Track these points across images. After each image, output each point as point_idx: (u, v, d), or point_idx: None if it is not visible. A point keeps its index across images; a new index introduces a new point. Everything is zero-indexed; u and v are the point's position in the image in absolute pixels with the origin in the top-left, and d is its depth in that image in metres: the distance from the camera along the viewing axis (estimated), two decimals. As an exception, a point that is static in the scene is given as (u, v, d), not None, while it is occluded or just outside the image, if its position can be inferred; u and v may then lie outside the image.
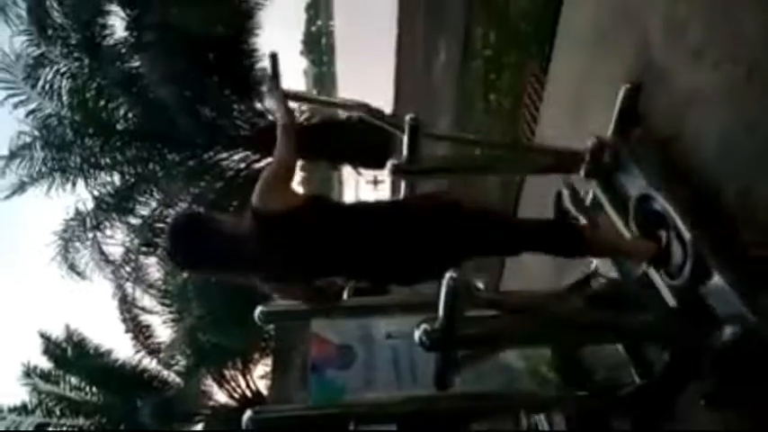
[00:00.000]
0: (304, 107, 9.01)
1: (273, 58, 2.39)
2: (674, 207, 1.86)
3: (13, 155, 8.38)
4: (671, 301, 1.94)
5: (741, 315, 1.67)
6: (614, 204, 2.27)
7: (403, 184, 2.73)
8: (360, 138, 8.44)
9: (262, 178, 2.00)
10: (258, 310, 2.61)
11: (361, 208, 2.21)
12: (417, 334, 1.68)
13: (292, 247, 1.95)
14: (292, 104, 2.43)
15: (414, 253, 1.99)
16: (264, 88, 2.48)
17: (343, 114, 9.29)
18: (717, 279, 1.74)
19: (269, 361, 10.35)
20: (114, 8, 8.39)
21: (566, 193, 2.38)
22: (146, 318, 10.00)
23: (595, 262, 2.61)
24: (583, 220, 2.30)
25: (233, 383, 10.42)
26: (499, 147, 2.75)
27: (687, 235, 1.80)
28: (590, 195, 2.53)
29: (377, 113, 2.58)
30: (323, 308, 2.38)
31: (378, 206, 2.22)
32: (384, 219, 2.05)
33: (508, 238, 2.07)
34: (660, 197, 1.93)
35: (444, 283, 1.57)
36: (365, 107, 2.57)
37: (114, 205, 8.90)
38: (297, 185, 2.69)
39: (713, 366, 1.75)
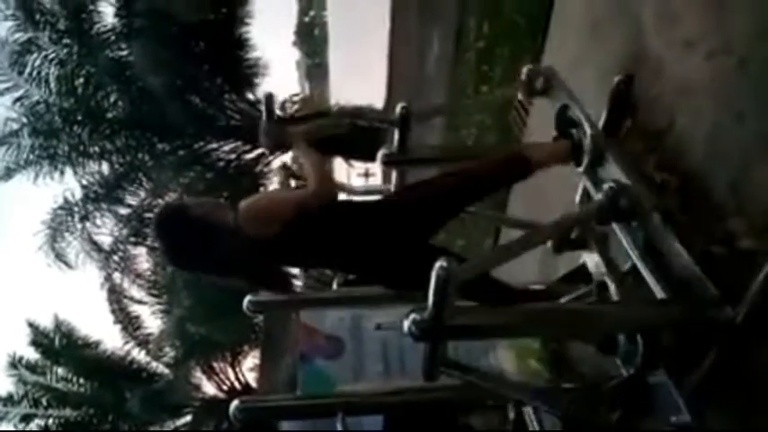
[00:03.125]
0: (296, 97, 8.99)
1: (269, 99, 2.33)
2: (582, 113, 2.23)
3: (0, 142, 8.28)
4: (659, 293, 1.95)
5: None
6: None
7: (394, 175, 2.72)
8: (351, 130, 8.40)
9: (260, 201, 2.02)
10: (247, 300, 2.59)
11: (349, 202, 2.19)
12: (406, 324, 1.66)
13: (285, 238, 1.93)
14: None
15: (386, 247, 2.03)
16: (264, 132, 2.39)
17: (334, 107, 9.26)
18: (612, 166, 2.07)
19: (258, 353, 10.34)
20: (104, -6, 8.28)
21: (572, 104, 2.44)
22: (135, 308, 9.96)
23: (583, 257, 2.62)
24: (589, 131, 2.34)
25: (222, 375, 10.40)
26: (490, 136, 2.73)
27: (588, 129, 2.19)
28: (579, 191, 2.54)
29: (368, 113, 2.57)
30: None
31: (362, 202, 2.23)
32: (361, 217, 2.07)
33: (471, 194, 2.28)
34: (576, 108, 2.27)
35: (434, 272, 1.56)
36: (357, 110, 2.56)
37: (103, 194, 8.82)
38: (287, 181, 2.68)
39: (701, 357, 1.75)
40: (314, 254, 2.08)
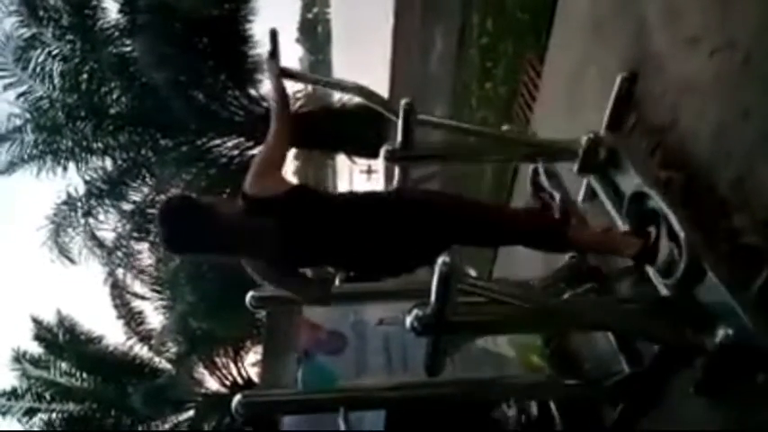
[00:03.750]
0: (300, 93, 8.98)
1: (273, 35, 2.35)
2: (669, 205, 1.87)
3: (3, 137, 8.29)
4: (662, 290, 1.94)
5: (734, 315, 1.65)
6: (609, 198, 2.25)
7: (397, 171, 2.71)
8: (353, 127, 8.40)
9: (253, 163, 1.99)
10: (250, 295, 2.59)
11: (347, 198, 2.18)
12: (409, 319, 1.67)
13: (279, 232, 1.93)
14: (289, 84, 2.41)
15: (395, 245, 1.99)
16: (264, 67, 2.45)
17: (337, 103, 9.26)
18: (711, 278, 1.73)
19: (260, 348, 10.34)
20: (108, -10, 8.28)
21: (540, 169, 2.38)
22: (137, 304, 9.97)
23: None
24: (557, 196, 2.27)
25: (224, 370, 10.42)
26: (493, 137, 2.71)
27: (682, 234, 1.80)
28: (583, 187, 2.52)
29: (372, 96, 2.56)
30: (315, 300, 2.35)
31: (367, 196, 2.20)
32: (368, 209, 2.05)
33: (490, 233, 2.09)
34: (655, 195, 1.93)
35: (436, 268, 1.56)
36: (361, 89, 2.55)
37: (106, 190, 8.83)
38: (290, 175, 2.68)
39: (703, 355, 1.75)
40: (321, 244, 2.04)
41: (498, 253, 4.68)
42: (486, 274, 4.48)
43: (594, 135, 2.27)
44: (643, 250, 1.95)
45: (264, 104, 8.58)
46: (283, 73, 2.30)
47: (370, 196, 2.22)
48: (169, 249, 2.13)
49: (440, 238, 1.96)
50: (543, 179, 2.24)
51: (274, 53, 2.32)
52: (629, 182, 2.08)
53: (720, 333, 1.63)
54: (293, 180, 2.19)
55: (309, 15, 38.72)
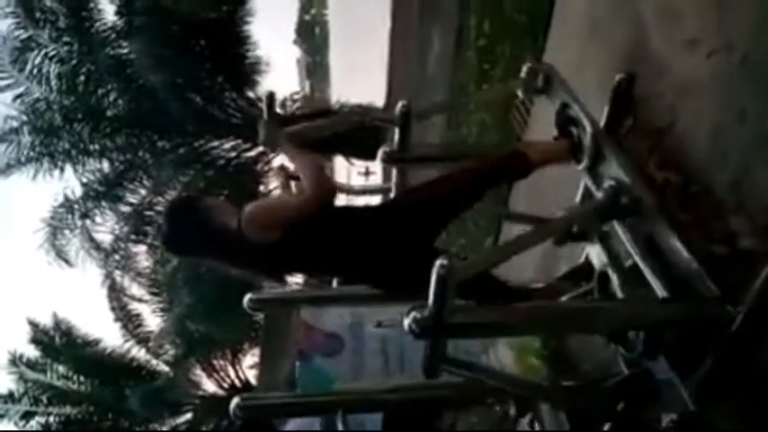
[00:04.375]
0: (297, 95, 8.99)
1: (270, 97, 2.34)
2: (582, 111, 2.23)
3: (-1, 139, 8.28)
4: (660, 291, 1.95)
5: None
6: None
7: (394, 173, 2.71)
8: (351, 128, 8.40)
9: (262, 206, 2.02)
10: (247, 297, 2.59)
11: (343, 213, 2.17)
12: (406, 322, 1.66)
13: (279, 247, 1.94)
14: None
15: (391, 252, 2.03)
16: (261, 134, 2.37)
17: (335, 105, 9.25)
18: (613, 165, 2.04)
19: (258, 351, 10.34)
20: (104, -8, 8.27)
21: (572, 103, 2.44)
22: (135, 306, 9.95)
23: (586, 252, 2.61)
24: (589, 129, 2.34)
25: (222, 373, 10.40)
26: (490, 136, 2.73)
27: (588, 126, 2.18)
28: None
29: (369, 111, 2.57)
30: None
31: (355, 212, 2.22)
32: (362, 223, 2.08)
33: (471, 193, 2.25)
34: (572, 104, 2.28)
35: (434, 270, 1.56)
36: (357, 108, 2.56)
37: (103, 192, 8.82)
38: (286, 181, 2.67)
39: (702, 356, 1.75)
40: (315, 260, 2.07)
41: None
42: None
43: (531, 63, 2.56)
44: (571, 146, 2.27)
45: (260, 106, 8.57)
46: (281, 121, 2.29)
47: (366, 209, 2.25)
48: (166, 248, 2.17)
49: (429, 225, 2.10)
50: (573, 111, 2.30)
51: (272, 115, 2.29)
52: (558, 98, 2.41)
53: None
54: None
55: (307, 17, 38.74)
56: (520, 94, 2.71)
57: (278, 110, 2.30)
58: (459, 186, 2.21)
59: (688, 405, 1.76)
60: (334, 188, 2.11)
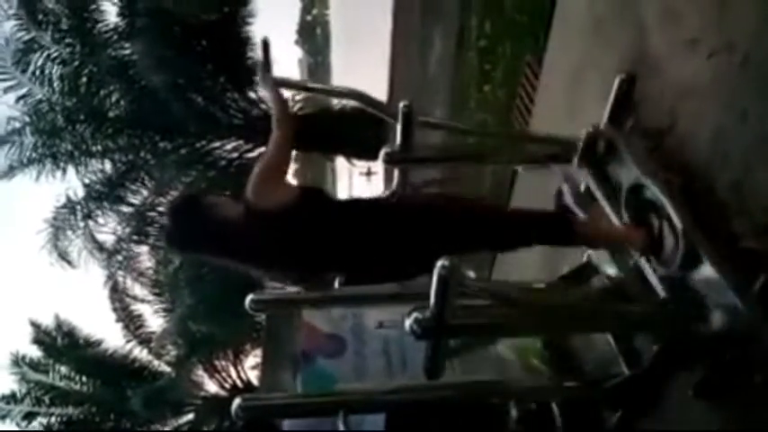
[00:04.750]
0: (298, 97, 8.98)
1: (265, 44, 2.34)
2: (667, 195, 1.87)
3: (2, 140, 8.28)
4: (661, 292, 1.95)
5: (731, 305, 1.66)
6: (607, 193, 2.25)
7: (396, 174, 2.71)
8: (353, 129, 8.40)
9: (254, 172, 1.97)
10: (249, 298, 2.59)
11: (354, 204, 2.19)
12: (408, 322, 1.67)
13: (283, 241, 1.94)
14: (286, 93, 2.40)
15: (403, 250, 1.99)
16: (258, 77, 2.45)
17: (336, 105, 9.26)
18: (707, 268, 1.73)
19: (260, 351, 10.33)
20: (106, -7, 8.28)
21: (566, 188, 2.37)
22: (137, 307, 9.96)
23: (588, 252, 2.61)
24: (582, 215, 2.28)
25: (224, 373, 10.41)
26: (493, 136, 2.71)
27: (679, 224, 1.80)
28: (583, 185, 2.52)
29: (370, 101, 2.56)
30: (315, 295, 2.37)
31: (369, 202, 2.21)
32: (375, 215, 2.04)
33: (499, 235, 2.07)
34: (653, 185, 1.93)
35: (436, 271, 1.56)
36: (359, 95, 2.54)
37: (105, 193, 8.83)
38: (290, 177, 2.68)
39: (702, 357, 1.75)
40: (318, 251, 2.05)
41: (497, 255, 4.68)
42: (485, 277, 4.48)
43: (594, 127, 2.27)
44: (650, 242, 1.95)
45: (263, 106, 8.59)
46: (277, 83, 2.29)
47: (372, 202, 2.23)
48: (169, 246, 2.18)
49: (441, 244, 1.93)
50: (568, 199, 2.20)
51: (267, 63, 2.31)
52: (628, 174, 2.07)
53: (716, 319, 1.61)
54: (295, 184, 2.19)
55: (308, 17, 38.78)
56: (575, 163, 2.30)
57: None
58: (492, 220, 2.06)
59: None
60: (273, 193, 1.97)
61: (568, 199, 2.36)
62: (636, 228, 2.04)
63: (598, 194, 2.27)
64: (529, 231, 2.07)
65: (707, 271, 1.72)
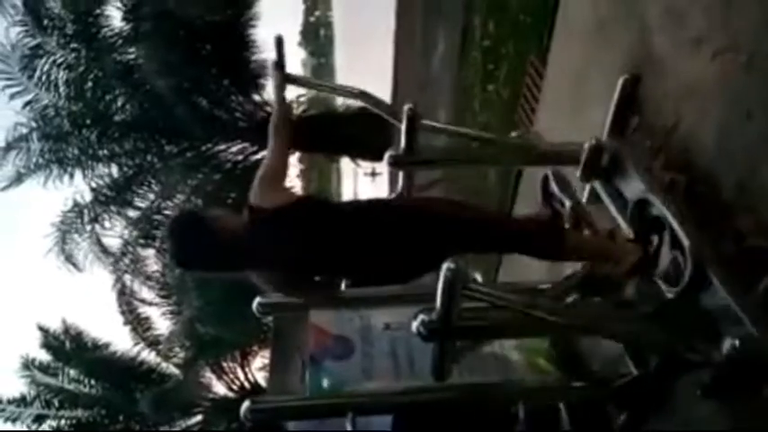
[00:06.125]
0: (303, 98, 9.01)
1: (279, 42, 2.36)
2: (673, 213, 1.86)
3: (9, 146, 8.34)
4: (668, 293, 1.94)
5: (740, 323, 1.63)
6: (613, 203, 2.24)
7: (401, 176, 2.72)
8: (358, 130, 8.42)
9: (256, 177, 2.02)
10: (256, 301, 2.61)
11: (352, 207, 2.21)
12: (415, 324, 1.68)
13: (286, 243, 1.95)
14: (295, 91, 2.43)
15: (399, 253, 2.01)
16: (269, 74, 2.50)
17: (341, 106, 9.28)
18: (716, 287, 1.71)
19: (267, 353, 10.34)
20: (111, -2, 8.33)
21: (551, 176, 2.37)
22: (144, 310, 10.00)
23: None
24: (568, 203, 2.27)
25: (232, 375, 10.43)
26: (496, 144, 2.71)
27: (686, 242, 1.78)
28: (586, 191, 2.52)
29: (375, 101, 2.57)
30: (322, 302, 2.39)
31: (367, 205, 2.22)
32: (372, 218, 2.07)
33: (488, 238, 2.08)
34: (658, 202, 1.93)
35: (442, 273, 1.57)
36: (364, 94, 2.56)
37: (112, 197, 8.88)
38: (293, 180, 2.70)
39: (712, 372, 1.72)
40: (321, 257, 2.07)
41: (503, 257, 4.68)
42: (491, 279, 4.48)
43: (596, 141, 2.24)
44: (641, 260, 1.95)
45: (268, 109, 8.62)
46: (288, 79, 2.31)
47: (375, 204, 2.24)
48: (179, 267, 2.18)
49: (440, 245, 1.96)
50: (554, 186, 2.22)
51: (280, 61, 2.33)
52: (633, 188, 2.07)
53: (727, 344, 1.57)
54: (297, 190, 2.22)
55: (312, 19, 38.83)
56: (577, 174, 2.29)
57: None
58: (486, 226, 2.06)
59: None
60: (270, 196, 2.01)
61: (554, 186, 2.36)
62: (629, 243, 2.03)
63: (606, 203, 2.25)
64: (519, 238, 2.10)
65: (715, 290, 1.69)
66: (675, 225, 1.81)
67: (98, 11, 8.26)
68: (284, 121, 2.15)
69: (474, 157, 2.92)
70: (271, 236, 1.92)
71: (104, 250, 9.16)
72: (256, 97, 8.95)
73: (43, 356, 9.78)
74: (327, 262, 2.04)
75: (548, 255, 2.15)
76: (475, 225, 2.05)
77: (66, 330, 9.88)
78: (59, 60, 8.27)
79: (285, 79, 2.30)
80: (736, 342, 1.56)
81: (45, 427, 9.57)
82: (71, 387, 9.74)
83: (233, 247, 1.92)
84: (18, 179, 8.46)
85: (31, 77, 8.23)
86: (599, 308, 2.23)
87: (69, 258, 9.05)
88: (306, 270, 2.06)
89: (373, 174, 17.86)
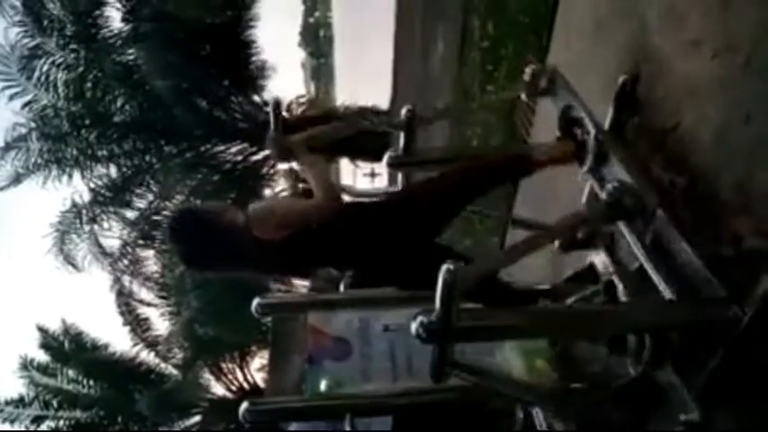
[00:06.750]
0: (303, 98, 9.01)
1: (276, 104, 2.40)
2: (585, 112, 2.24)
3: (8, 146, 8.35)
4: (666, 293, 1.94)
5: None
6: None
7: (400, 176, 2.73)
8: (357, 130, 8.41)
9: (270, 213, 2.07)
10: (255, 302, 2.61)
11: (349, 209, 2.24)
12: (414, 326, 1.67)
13: (293, 242, 1.99)
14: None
15: (394, 245, 2.09)
16: (269, 144, 2.49)
17: (340, 107, 9.28)
18: (614, 163, 2.08)
19: (266, 354, 10.34)
20: (110, -1, 8.33)
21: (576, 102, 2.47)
22: (143, 310, 10.00)
23: (590, 256, 2.61)
24: (591, 130, 2.36)
25: (230, 376, 10.43)
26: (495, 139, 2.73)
27: (591, 129, 2.19)
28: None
29: (374, 116, 2.59)
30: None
31: (370, 205, 2.29)
32: (363, 219, 2.13)
33: (473, 189, 2.34)
34: (576, 105, 2.29)
35: (441, 274, 1.57)
36: (365, 110, 2.58)
37: (111, 197, 8.88)
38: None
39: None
40: (321, 256, 2.12)
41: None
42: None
43: (535, 65, 2.58)
44: (575, 148, 2.29)
45: (266, 110, 8.61)
46: (289, 129, 2.34)
47: (375, 204, 2.29)
48: (188, 266, 2.25)
49: (432, 219, 2.17)
50: (576, 112, 2.31)
51: (277, 124, 2.35)
52: (562, 100, 2.43)
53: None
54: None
55: (311, 20, 38.86)
56: (523, 95, 2.73)
57: (285, 114, 2.35)
58: (462, 182, 2.29)
59: (692, 411, 1.76)
60: (339, 198, 2.19)
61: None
62: (564, 140, 2.36)
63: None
64: (497, 176, 2.43)
65: (616, 167, 2.07)
66: (584, 117, 2.23)
67: (97, 12, 8.26)
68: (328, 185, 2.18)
69: (473, 157, 2.92)
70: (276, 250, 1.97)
71: (103, 251, 9.16)
72: (255, 98, 8.95)
73: (42, 357, 9.78)
74: (331, 257, 2.11)
75: (524, 174, 2.45)
76: (456, 187, 2.27)
77: (66, 331, 9.88)
78: (59, 61, 8.28)
79: (289, 137, 2.32)
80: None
81: (44, 427, 9.58)
82: (70, 387, 9.75)
83: (238, 237, 1.95)
84: (17, 179, 8.46)
85: (30, 78, 8.24)
86: (600, 308, 2.24)
87: (68, 259, 9.06)
88: (310, 265, 2.13)
89: (372, 174, 17.84)
